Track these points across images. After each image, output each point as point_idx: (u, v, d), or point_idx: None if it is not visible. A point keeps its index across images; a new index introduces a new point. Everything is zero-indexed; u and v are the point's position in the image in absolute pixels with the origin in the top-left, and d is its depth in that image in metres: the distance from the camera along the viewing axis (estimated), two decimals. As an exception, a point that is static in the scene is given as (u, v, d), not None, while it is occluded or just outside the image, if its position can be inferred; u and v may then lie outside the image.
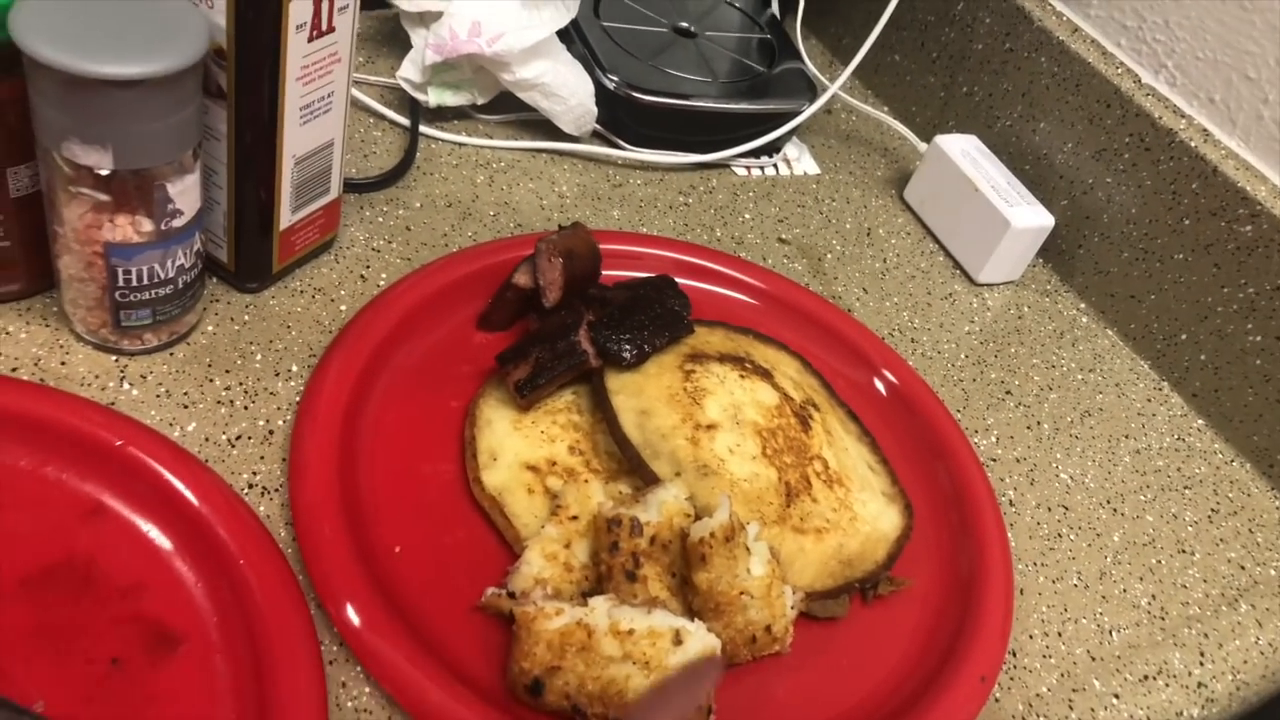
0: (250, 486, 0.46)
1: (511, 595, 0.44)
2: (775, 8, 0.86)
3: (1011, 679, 0.50)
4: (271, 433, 0.48)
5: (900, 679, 0.48)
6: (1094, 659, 0.52)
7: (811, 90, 0.77)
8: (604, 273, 0.57)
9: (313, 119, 0.50)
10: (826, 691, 0.46)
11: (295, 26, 0.45)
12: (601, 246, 0.56)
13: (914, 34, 0.84)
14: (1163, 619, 0.55)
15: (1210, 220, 0.67)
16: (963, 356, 0.68)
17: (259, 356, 0.51)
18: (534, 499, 0.48)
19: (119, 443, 0.43)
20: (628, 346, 0.51)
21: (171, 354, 0.50)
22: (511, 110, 0.71)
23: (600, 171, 0.71)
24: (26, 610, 0.39)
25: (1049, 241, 0.76)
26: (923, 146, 0.78)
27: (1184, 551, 0.60)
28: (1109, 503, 0.61)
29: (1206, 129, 0.69)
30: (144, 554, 0.42)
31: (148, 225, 0.44)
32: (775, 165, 0.78)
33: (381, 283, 0.57)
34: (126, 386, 0.48)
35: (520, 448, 0.49)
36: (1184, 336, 0.70)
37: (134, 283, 0.46)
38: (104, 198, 0.43)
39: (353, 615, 0.41)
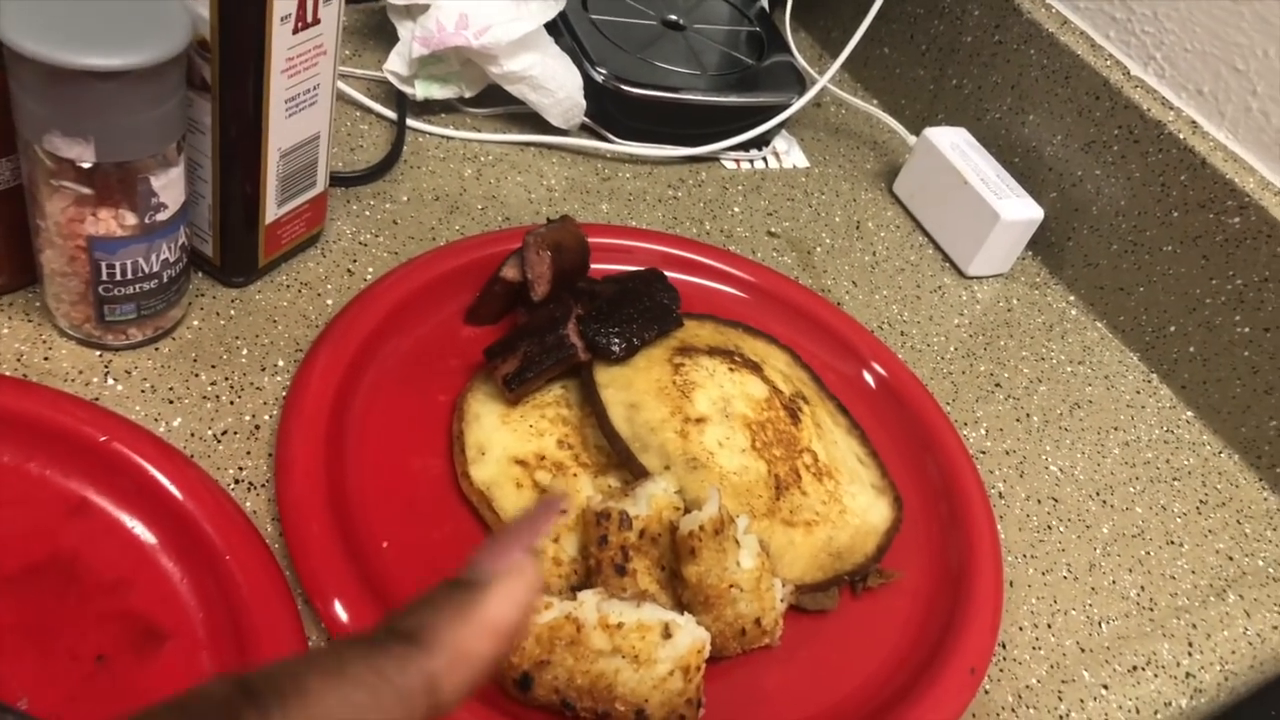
0: (236, 482, 0.46)
1: (500, 590, 0.43)
2: (764, 1, 0.86)
3: (1001, 670, 0.50)
4: (258, 428, 0.48)
5: (890, 671, 0.48)
6: (1083, 650, 0.52)
7: (801, 83, 0.77)
8: (593, 266, 0.57)
9: (298, 112, 0.49)
10: (816, 684, 0.46)
11: (280, 18, 0.45)
12: (590, 240, 0.56)
13: (903, 27, 0.84)
14: (1151, 610, 0.55)
15: (1199, 212, 0.67)
16: (952, 349, 0.68)
17: (245, 351, 0.51)
18: (523, 493, 0.47)
19: (103, 438, 0.43)
20: (616, 340, 0.51)
21: (156, 349, 0.49)
22: (499, 103, 0.71)
23: (589, 165, 0.71)
24: (10, 607, 0.39)
25: (1038, 234, 0.76)
26: (912, 139, 0.78)
27: (1173, 543, 0.60)
28: (1098, 494, 0.61)
29: (1195, 121, 0.69)
30: (129, 550, 0.41)
31: (131, 219, 0.44)
32: (764, 158, 0.78)
33: (368, 277, 0.57)
34: (111, 382, 0.47)
35: (509, 442, 0.49)
36: (1173, 328, 0.70)
37: (118, 277, 0.45)
38: (86, 191, 0.42)
39: (340, 611, 0.41)
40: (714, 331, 0.57)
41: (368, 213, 0.61)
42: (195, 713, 0.19)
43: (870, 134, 0.85)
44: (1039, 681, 0.50)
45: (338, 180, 0.61)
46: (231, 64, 0.45)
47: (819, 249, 0.72)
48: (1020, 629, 0.52)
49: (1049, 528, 0.58)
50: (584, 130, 0.73)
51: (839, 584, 0.49)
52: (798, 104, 0.75)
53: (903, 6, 0.84)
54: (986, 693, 0.49)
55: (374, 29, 0.74)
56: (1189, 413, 0.70)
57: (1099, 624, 0.54)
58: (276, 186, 0.51)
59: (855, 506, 0.51)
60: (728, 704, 0.44)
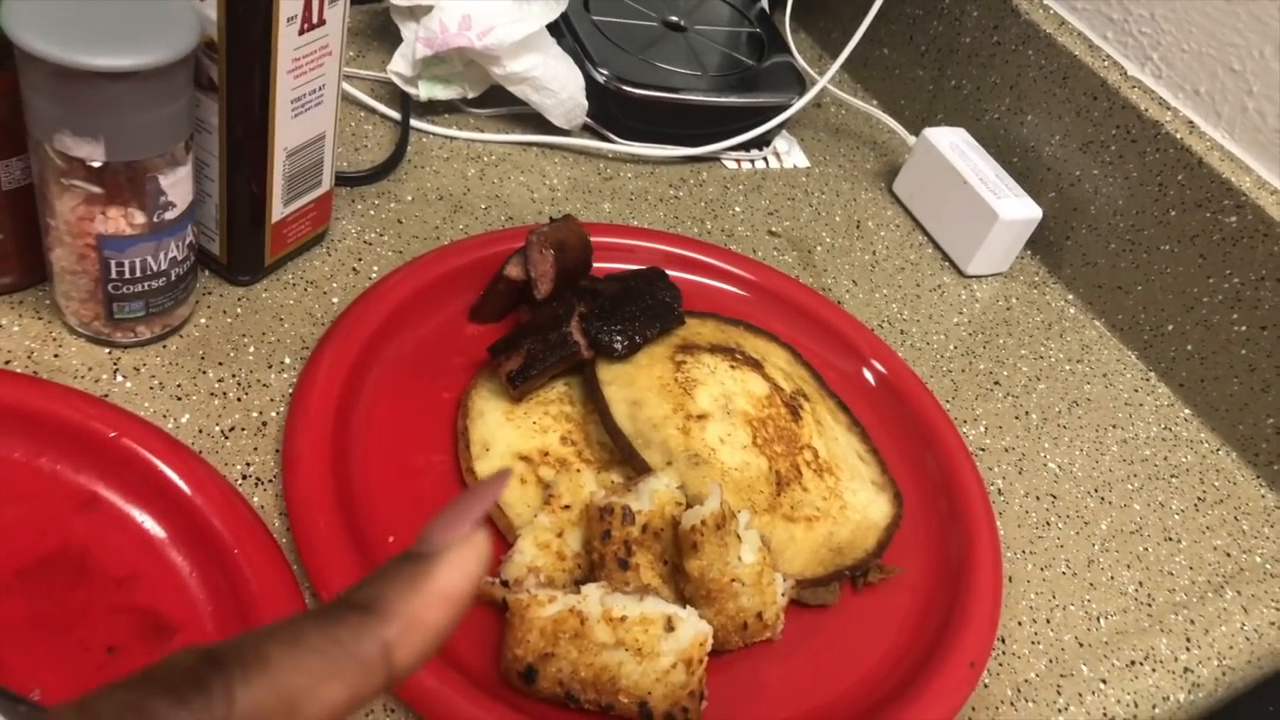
0: (244, 478, 0.46)
1: (504, 583, 0.44)
2: (764, 1, 0.86)
3: (1000, 665, 0.50)
4: (265, 424, 0.48)
5: (890, 665, 0.48)
6: (1082, 645, 0.53)
7: (801, 84, 0.78)
8: (595, 265, 0.57)
9: (304, 112, 0.50)
10: (817, 677, 0.47)
11: (286, 19, 0.45)
12: (592, 239, 0.57)
13: (902, 28, 0.85)
14: (1149, 606, 0.56)
15: (1196, 211, 0.68)
16: (951, 347, 0.68)
17: (251, 349, 0.51)
18: (526, 489, 0.48)
19: (113, 434, 0.43)
20: (619, 337, 0.52)
21: (164, 346, 0.50)
22: (502, 104, 0.71)
23: (591, 165, 0.72)
24: (22, 600, 0.39)
25: (1037, 233, 0.77)
26: (911, 139, 0.79)
27: (1171, 539, 0.60)
28: (1096, 491, 0.62)
29: (1192, 121, 0.69)
30: (139, 544, 0.42)
31: (140, 218, 0.44)
32: (765, 158, 0.79)
33: (373, 275, 0.57)
34: (119, 379, 0.48)
35: (512, 438, 0.50)
36: (1170, 327, 0.71)
37: (126, 275, 0.46)
38: (96, 190, 0.43)
39: (347, 604, 0.41)
40: (715, 329, 0.57)
41: (372, 212, 0.61)
42: (163, 681, 0.20)
43: (870, 134, 0.85)
44: (1038, 676, 0.50)
45: (343, 180, 0.61)
46: (238, 64, 0.46)
47: (819, 248, 0.72)
48: (1019, 624, 0.52)
49: (1048, 524, 0.58)
50: (586, 130, 0.73)
51: (839, 579, 0.50)
52: (798, 104, 0.76)
53: (902, 8, 0.84)
54: (986, 687, 0.49)
55: (378, 30, 0.74)
56: (1187, 410, 0.70)
57: (1097, 619, 0.54)
58: (282, 186, 0.51)
59: (856, 502, 0.52)
60: (729, 697, 0.45)
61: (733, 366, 0.53)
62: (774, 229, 0.72)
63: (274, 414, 0.49)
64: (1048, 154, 0.76)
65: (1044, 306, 0.75)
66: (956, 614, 0.49)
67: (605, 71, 0.71)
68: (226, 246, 0.52)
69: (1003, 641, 0.51)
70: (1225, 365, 0.68)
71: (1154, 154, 0.70)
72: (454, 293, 0.56)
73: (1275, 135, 0.66)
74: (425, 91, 0.68)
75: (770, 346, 0.59)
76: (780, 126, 0.77)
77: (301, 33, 0.47)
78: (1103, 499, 0.61)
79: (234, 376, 0.50)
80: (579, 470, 0.48)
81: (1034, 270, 0.78)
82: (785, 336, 0.61)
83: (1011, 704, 0.49)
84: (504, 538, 0.47)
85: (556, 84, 0.68)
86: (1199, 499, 0.64)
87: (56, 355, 0.48)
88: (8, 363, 0.47)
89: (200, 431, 0.47)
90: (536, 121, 0.71)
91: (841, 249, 0.73)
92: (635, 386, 0.51)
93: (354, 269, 0.57)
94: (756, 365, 0.55)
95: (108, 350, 0.49)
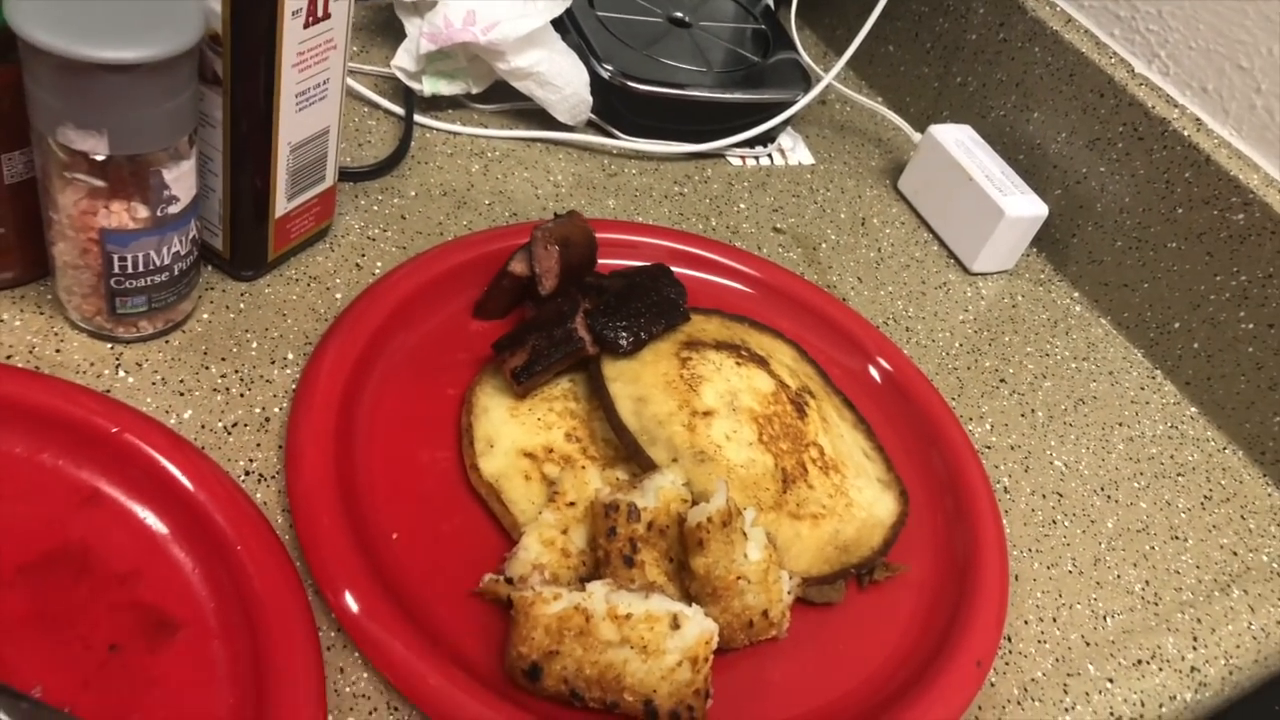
0: (247, 474, 0.46)
1: (509, 581, 0.44)
2: (769, -2, 0.86)
3: (1007, 664, 0.50)
4: (268, 420, 0.48)
5: (896, 664, 0.48)
6: (1088, 644, 0.52)
7: (806, 80, 0.78)
8: (600, 261, 0.57)
9: (308, 106, 0.50)
10: (823, 676, 0.46)
11: (291, 12, 0.45)
12: (597, 235, 0.56)
13: (908, 24, 0.85)
14: (1156, 604, 0.56)
15: (1203, 209, 0.68)
16: (957, 345, 0.68)
17: (255, 344, 0.51)
18: (531, 486, 0.48)
19: (115, 429, 0.43)
20: (624, 334, 0.51)
21: (167, 341, 0.50)
22: (506, 99, 0.71)
23: (595, 161, 0.71)
24: (24, 597, 0.39)
25: (1043, 231, 0.76)
26: (917, 136, 0.78)
27: (1177, 538, 0.60)
28: (1103, 489, 0.61)
29: (1199, 118, 0.69)
30: (141, 540, 0.42)
31: (143, 212, 0.44)
32: (770, 155, 0.78)
33: (377, 271, 0.57)
34: (122, 374, 0.48)
35: (517, 435, 0.49)
36: (1177, 325, 0.71)
37: (129, 270, 0.46)
38: (99, 184, 0.43)
39: (350, 601, 0.41)
40: (720, 326, 0.57)
41: (376, 207, 0.61)
42: None
43: (875, 131, 0.85)
44: (1044, 675, 0.50)
45: (346, 175, 0.61)
46: (243, 58, 0.45)
47: (824, 245, 0.72)
48: (1025, 622, 0.52)
49: (1054, 522, 0.58)
50: (590, 126, 0.73)
51: (845, 577, 0.49)
52: (803, 101, 0.76)
53: (907, 4, 0.84)
54: (992, 685, 0.49)
55: (382, 25, 0.74)
56: (1193, 409, 0.70)
57: (1104, 618, 0.54)
58: (286, 180, 0.51)
59: (861, 500, 0.52)
60: (735, 695, 0.44)
61: (738, 363, 0.53)
62: (779, 226, 0.72)
63: (277, 410, 0.49)
64: (1054, 151, 0.76)
65: (1050, 304, 0.74)
66: (963, 612, 0.49)
67: (610, 67, 0.70)
68: (230, 241, 0.52)
69: (1009, 640, 0.51)
70: (1232, 363, 0.68)
71: (1161, 151, 0.69)
72: (458, 289, 0.56)
73: (1283, 132, 0.65)
74: (429, 87, 0.68)
75: (775, 343, 0.59)
76: (785, 123, 0.77)
77: (306, 26, 0.47)
78: (1109, 497, 0.61)
79: (237, 372, 0.50)
80: (584, 467, 0.48)
81: (1040, 268, 0.77)
82: (790, 333, 0.61)
83: (1018, 703, 0.49)
84: (509, 535, 0.47)
85: (561, 80, 0.68)
86: (1205, 497, 0.64)
87: (58, 350, 0.48)
88: (9, 358, 0.47)
89: (203, 427, 0.47)
90: (541, 117, 0.71)
91: (846, 246, 0.72)
92: (640, 383, 0.50)
93: (357, 264, 0.57)
94: (762, 362, 0.54)
95: (110, 345, 0.49)
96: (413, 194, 0.63)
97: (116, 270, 0.45)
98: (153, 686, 0.38)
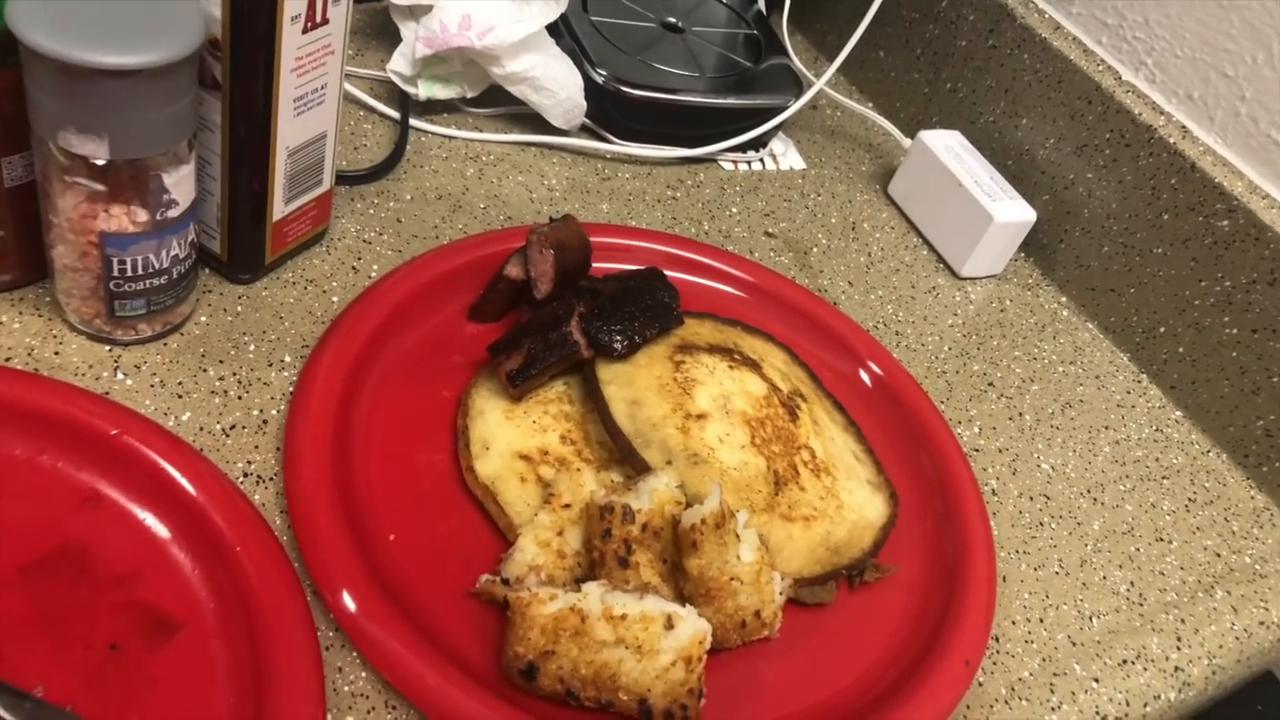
0: (245, 475, 0.46)
1: (505, 581, 0.44)
2: (762, 4, 0.87)
3: (994, 663, 0.51)
4: (265, 422, 0.49)
5: (886, 663, 0.48)
6: (1074, 644, 0.53)
7: (797, 86, 0.78)
8: (594, 265, 0.58)
9: (306, 110, 0.50)
10: (814, 675, 0.47)
11: (290, 18, 0.46)
12: (591, 239, 0.57)
13: (898, 31, 0.85)
14: (1141, 605, 0.57)
15: (1188, 215, 0.69)
16: (946, 349, 0.69)
17: (252, 347, 0.52)
18: (526, 488, 0.48)
19: (114, 431, 0.43)
20: (619, 337, 0.52)
21: (165, 344, 0.50)
22: (501, 104, 0.71)
23: (589, 165, 0.72)
24: (25, 597, 0.39)
25: (1031, 236, 0.77)
26: (907, 142, 0.79)
27: (1162, 540, 0.61)
28: (1089, 492, 0.62)
29: (1185, 125, 0.70)
30: (141, 541, 0.42)
31: (143, 215, 0.44)
32: (762, 160, 0.79)
33: (373, 274, 0.57)
34: (120, 376, 0.48)
35: (512, 437, 0.50)
36: (1162, 329, 0.72)
37: (128, 273, 0.46)
38: (99, 187, 0.43)
39: (348, 601, 0.42)
40: (713, 330, 0.58)
41: (372, 211, 0.61)
42: None
43: (866, 136, 0.86)
44: (1031, 674, 0.51)
45: (342, 179, 0.62)
46: (242, 63, 0.46)
47: (815, 249, 0.72)
48: (1013, 623, 0.53)
49: (1041, 524, 0.59)
50: (584, 131, 0.73)
51: (836, 578, 0.50)
52: (795, 106, 0.76)
53: (898, 11, 0.85)
54: (980, 685, 0.50)
55: (377, 29, 0.75)
56: (1178, 412, 0.71)
57: (1090, 618, 0.55)
58: (284, 184, 0.52)
59: (852, 502, 0.52)
60: (728, 694, 0.45)
61: (731, 366, 0.54)
62: (770, 230, 0.72)
63: (274, 412, 0.49)
64: (1042, 157, 0.77)
65: (1037, 308, 0.75)
66: (951, 613, 0.50)
67: (604, 72, 0.71)
68: (227, 244, 0.52)
69: (997, 640, 0.52)
70: (1216, 368, 0.69)
71: (1147, 158, 0.70)
72: (453, 292, 0.57)
73: (1267, 140, 0.66)
74: (424, 91, 0.68)
75: (767, 347, 0.59)
76: (777, 128, 0.77)
77: (305, 31, 0.47)
78: (1095, 500, 0.62)
79: (234, 374, 0.50)
80: (579, 469, 0.49)
81: (1028, 272, 0.78)
82: (782, 337, 0.61)
83: (1005, 702, 0.49)
84: (505, 536, 0.47)
85: (555, 84, 0.68)
86: (1190, 500, 0.64)
87: (57, 353, 0.48)
88: (8, 360, 0.47)
89: (201, 429, 0.47)
90: (535, 121, 0.71)
91: (837, 250, 0.73)
92: (634, 386, 0.51)
93: (353, 268, 0.57)
94: (754, 365, 0.55)
95: (108, 348, 0.49)
96: (408, 197, 0.63)
97: (116, 273, 0.46)
98: (153, 686, 0.38)
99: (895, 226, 0.78)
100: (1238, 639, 0.57)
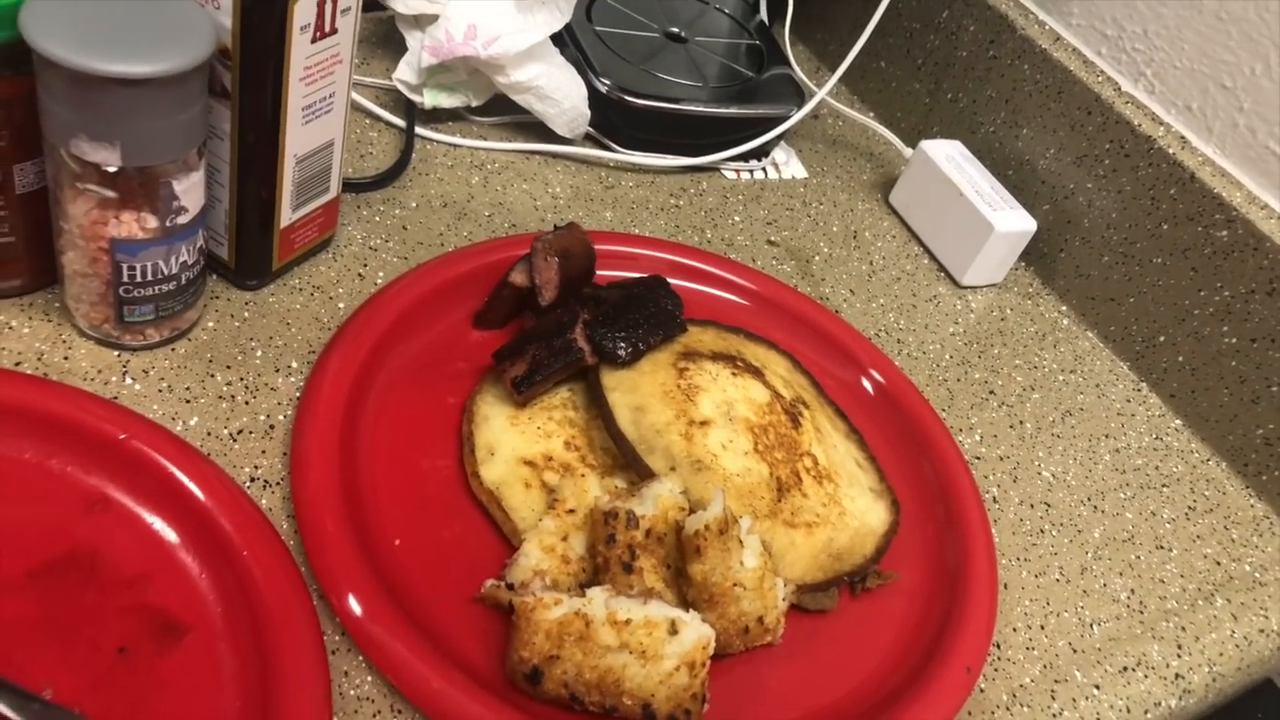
0: (252, 480, 0.47)
1: (510, 586, 0.44)
2: (764, 14, 0.87)
3: (996, 670, 0.51)
4: (272, 428, 0.49)
5: (888, 670, 0.49)
6: (1075, 651, 0.53)
7: (799, 95, 0.79)
8: (598, 273, 0.58)
9: (314, 119, 0.50)
10: (816, 681, 0.47)
11: (299, 28, 0.46)
12: (595, 247, 0.57)
13: (900, 41, 0.86)
14: (1141, 613, 0.57)
15: (1187, 225, 0.69)
16: (947, 357, 0.69)
17: (259, 353, 0.52)
18: (531, 493, 0.49)
19: (123, 436, 0.44)
20: (623, 344, 0.52)
21: (173, 349, 0.50)
22: (506, 112, 0.72)
23: (593, 173, 0.72)
24: (34, 601, 0.39)
25: (1031, 245, 0.78)
26: (908, 151, 0.80)
27: (1162, 547, 0.61)
28: (1089, 500, 0.63)
29: (1184, 136, 0.70)
30: (149, 545, 0.42)
31: (153, 222, 0.45)
32: (764, 169, 0.79)
33: (379, 281, 0.58)
34: (129, 381, 0.48)
35: (517, 443, 0.50)
36: (1162, 338, 0.72)
37: (138, 279, 0.46)
38: (110, 194, 0.43)
39: (354, 606, 0.42)
40: (716, 337, 0.58)
41: (378, 218, 0.62)
42: None
43: (867, 146, 0.86)
44: (1032, 681, 0.51)
45: (349, 186, 0.62)
46: (252, 72, 0.46)
47: (817, 258, 0.73)
48: (1014, 630, 0.53)
49: (1042, 532, 0.59)
50: (588, 140, 0.74)
51: (838, 584, 0.50)
52: (796, 116, 0.77)
53: (899, 21, 0.85)
54: (982, 691, 0.50)
55: (383, 38, 0.75)
56: (1178, 421, 0.71)
57: (1090, 626, 0.55)
58: (292, 192, 0.52)
59: (854, 509, 0.53)
60: (731, 700, 0.45)
61: (734, 374, 0.54)
62: (773, 238, 0.73)
63: (281, 417, 0.49)
64: (1042, 167, 0.77)
65: (1038, 317, 0.76)
66: (953, 619, 0.50)
67: (607, 81, 0.72)
68: (235, 251, 0.53)
69: (998, 647, 0.52)
70: (1215, 377, 0.69)
71: (1147, 168, 0.71)
72: (459, 299, 0.57)
73: (1265, 151, 0.67)
74: (430, 99, 0.69)
75: (770, 354, 0.60)
76: (779, 138, 0.78)
77: (314, 41, 0.47)
78: (1095, 507, 0.62)
79: (242, 380, 0.50)
80: (583, 475, 0.49)
81: (1028, 281, 0.79)
82: (784, 345, 0.62)
83: (1007, 709, 0.50)
84: (509, 541, 0.47)
85: (560, 93, 0.69)
86: (1190, 508, 0.65)
87: (66, 358, 0.48)
88: (18, 364, 0.47)
89: (209, 434, 0.48)
90: (539, 130, 0.72)
91: (839, 259, 0.74)
92: (638, 393, 0.51)
93: (360, 274, 0.58)
94: (757, 373, 0.55)
95: (117, 353, 0.49)
96: (414, 205, 0.64)
97: (125, 279, 0.46)
98: (161, 688, 0.38)
99: (896, 235, 0.78)
100: (1238, 646, 0.57)
